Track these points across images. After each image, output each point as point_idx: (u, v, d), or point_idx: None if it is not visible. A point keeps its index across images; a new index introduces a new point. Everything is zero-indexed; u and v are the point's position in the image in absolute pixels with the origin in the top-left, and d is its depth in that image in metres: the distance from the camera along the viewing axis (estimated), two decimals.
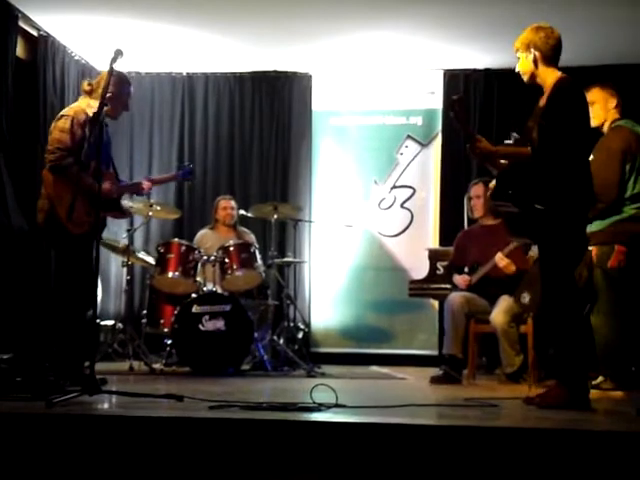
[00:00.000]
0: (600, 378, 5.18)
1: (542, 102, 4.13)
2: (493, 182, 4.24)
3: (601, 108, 5.15)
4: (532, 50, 4.12)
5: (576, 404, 3.84)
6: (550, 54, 4.12)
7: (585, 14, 6.87)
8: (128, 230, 6.89)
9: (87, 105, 4.81)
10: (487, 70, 8.25)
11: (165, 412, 3.39)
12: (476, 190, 6.24)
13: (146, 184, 5.34)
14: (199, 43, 7.80)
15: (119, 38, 7.18)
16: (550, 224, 3.97)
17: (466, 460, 2.90)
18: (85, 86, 4.92)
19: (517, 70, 4.25)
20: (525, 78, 4.21)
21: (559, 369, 4.03)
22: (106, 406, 3.73)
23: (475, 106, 8.34)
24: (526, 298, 5.74)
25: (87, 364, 3.90)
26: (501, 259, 5.94)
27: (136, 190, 5.49)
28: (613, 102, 5.21)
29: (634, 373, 5.17)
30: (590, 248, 4.88)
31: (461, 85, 8.36)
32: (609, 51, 7.59)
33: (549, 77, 4.14)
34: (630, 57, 7.69)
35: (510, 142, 4.26)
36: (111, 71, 4.11)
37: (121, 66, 4.45)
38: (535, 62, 4.13)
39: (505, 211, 4.25)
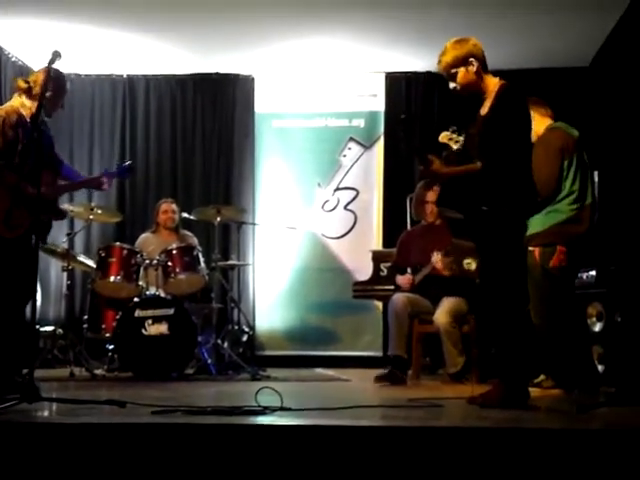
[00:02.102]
0: (541, 376, 5.25)
1: (484, 110, 4.16)
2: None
3: (536, 125, 5.23)
4: (471, 61, 4.13)
5: (515, 403, 3.89)
6: (484, 60, 4.17)
7: (515, 21, 7.02)
8: (68, 234, 6.79)
9: (21, 105, 4.59)
10: (428, 73, 8.34)
11: (107, 418, 3.34)
12: (431, 195, 6.18)
13: (105, 179, 5.16)
14: (139, 46, 7.73)
15: (57, 40, 7.08)
16: (497, 225, 4.02)
17: (410, 460, 2.91)
18: (22, 84, 4.62)
19: (454, 87, 4.19)
20: (466, 91, 4.18)
21: (500, 368, 4.08)
22: (46, 413, 3.66)
23: (416, 108, 8.42)
24: (472, 264, 5.77)
25: (25, 371, 3.83)
26: (438, 261, 5.99)
27: (95, 185, 5.27)
28: (547, 119, 5.31)
29: (574, 371, 5.25)
30: (532, 249, 4.95)
31: (402, 88, 8.45)
32: (536, 55, 7.77)
33: (490, 84, 4.17)
34: (555, 61, 7.90)
35: (452, 135, 4.31)
36: (49, 73, 4.03)
37: (60, 68, 4.38)
38: (478, 72, 4.15)
39: (449, 217, 4.28)
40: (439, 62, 4.21)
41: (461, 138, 4.35)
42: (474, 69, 4.12)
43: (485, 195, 4.03)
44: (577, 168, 5.16)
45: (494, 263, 4.05)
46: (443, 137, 4.47)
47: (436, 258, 6.00)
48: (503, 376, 4.03)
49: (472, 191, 4.07)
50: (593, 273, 5.85)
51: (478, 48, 4.14)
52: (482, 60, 4.15)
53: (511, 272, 4.07)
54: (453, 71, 4.16)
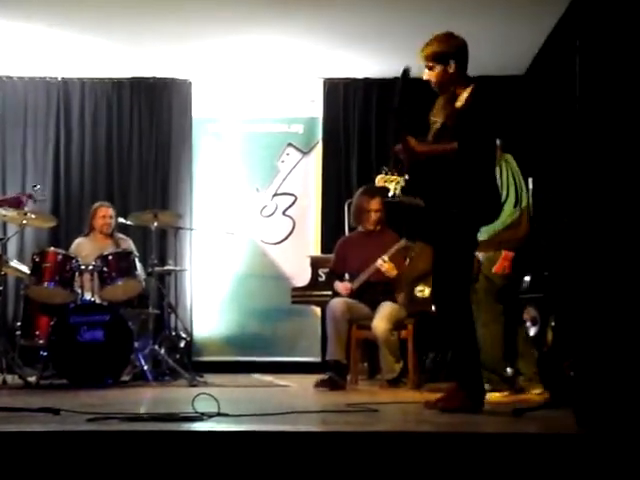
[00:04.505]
0: None
1: (459, 103, 4.10)
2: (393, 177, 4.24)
3: None
4: (451, 62, 4.11)
5: (474, 407, 3.93)
6: (466, 62, 4.20)
7: (451, 29, 7.07)
8: (1, 239, 6.62)
9: None
10: (366, 79, 8.39)
11: (40, 426, 3.27)
12: (375, 204, 6.22)
13: None
14: (74, 47, 7.60)
15: None
16: (460, 228, 4.04)
17: (349, 465, 2.91)
18: None
19: (427, 78, 4.17)
20: (437, 87, 4.18)
21: (457, 372, 4.10)
22: None
23: (354, 115, 8.46)
24: (425, 291, 5.80)
25: None
26: (383, 263, 6.01)
27: None
28: None
29: (509, 376, 5.32)
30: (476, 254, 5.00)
31: (341, 94, 8.47)
32: (471, 64, 7.86)
33: (464, 84, 4.17)
34: (491, 70, 7.97)
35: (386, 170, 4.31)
36: None
37: None
38: (455, 74, 4.14)
39: (409, 204, 4.20)
40: (422, 50, 4.18)
41: (395, 177, 4.31)
42: (451, 70, 4.12)
43: (457, 196, 4.03)
44: (507, 173, 5.24)
45: (452, 265, 4.05)
46: (379, 181, 4.46)
47: (381, 262, 6.01)
48: (460, 380, 4.05)
49: (441, 188, 4.06)
50: (527, 278, 5.94)
51: (462, 50, 4.16)
52: (463, 62, 4.15)
53: (467, 275, 4.13)
54: (430, 64, 4.15)
